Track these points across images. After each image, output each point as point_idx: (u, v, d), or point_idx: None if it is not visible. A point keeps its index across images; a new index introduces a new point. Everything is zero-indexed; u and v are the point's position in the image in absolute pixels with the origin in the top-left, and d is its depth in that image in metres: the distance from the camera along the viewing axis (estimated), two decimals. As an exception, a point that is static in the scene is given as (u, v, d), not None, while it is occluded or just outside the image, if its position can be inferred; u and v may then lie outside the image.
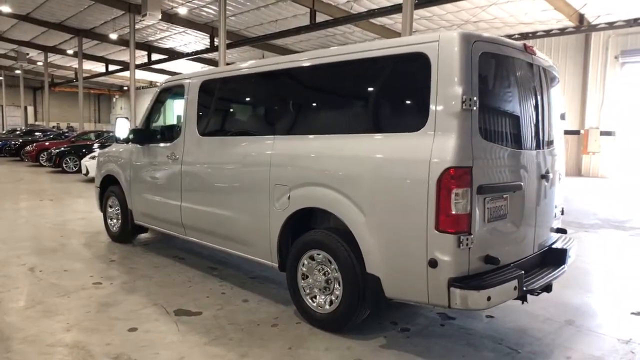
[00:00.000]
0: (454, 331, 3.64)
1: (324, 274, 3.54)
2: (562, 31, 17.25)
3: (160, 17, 18.28)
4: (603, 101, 17.82)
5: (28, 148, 18.73)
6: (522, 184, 3.29)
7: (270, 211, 3.90)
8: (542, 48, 17.92)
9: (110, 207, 6.25)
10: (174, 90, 5.41)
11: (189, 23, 20.94)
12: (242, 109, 4.86)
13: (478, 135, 2.94)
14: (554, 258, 3.69)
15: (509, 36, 17.12)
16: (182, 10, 18.92)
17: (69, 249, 5.88)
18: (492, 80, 3.15)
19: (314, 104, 3.97)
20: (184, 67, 29.73)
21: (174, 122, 6.05)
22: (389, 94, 3.42)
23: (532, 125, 3.49)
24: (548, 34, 17.69)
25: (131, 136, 5.57)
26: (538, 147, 3.53)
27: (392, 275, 3.12)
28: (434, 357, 3.20)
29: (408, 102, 3.31)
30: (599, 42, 17.77)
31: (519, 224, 3.34)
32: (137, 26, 20.93)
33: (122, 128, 5.50)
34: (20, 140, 21.62)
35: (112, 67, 30.96)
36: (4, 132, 32.52)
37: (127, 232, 6.04)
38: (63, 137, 21.18)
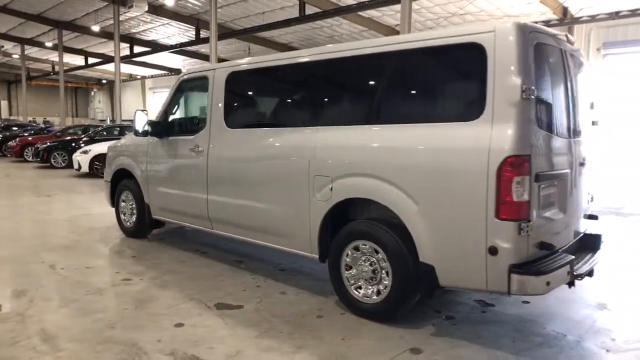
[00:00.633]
0: (497, 317, 3.70)
1: (371, 264, 3.55)
2: (547, 23, 17.49)
3: (146, 8, 17.91)
4: (587, 92, 18.21)
5: (11, 143, 18.19)
6: (569, 171, 3.36)
7: (310, 202, 3.88)
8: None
9: (124, 201, 6.12)
10: (195, 82, 5.31)
11: (174, 15, 20.48)
12: (277, 100, 4.77)
13: (535, 124, 2.98)
14: (590, 243, 3.80)
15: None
16: (169, 2, 18.52)
17: (83, 245, 5.75)
18: (543, 69, 3.18)
19: (363, 95, 3.93)
20: (167, 60, 29.21)
21: (188, 114, 5.91)
22: (442, 83, 3.44)
23: (573, 113, 3.57)
24: (533, 26, 17.97)
25: (149, 129, 5.45)
26: (576, 135, 3.62)
27: (448, 263, 3.15)
28: (487, 343, 3.25)
29: (463, 91, 3.32)
30: (582, 34, 18.08)
31: (564, 210, 3.42)
32: (120, 18, 20.43)
33: (141, 121, 5.37)
34: (0, 136, 20.95)
35: (91, 60, 30.14)
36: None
37: (143, 227, 5.92)
38: (46, 132, 20.61)
